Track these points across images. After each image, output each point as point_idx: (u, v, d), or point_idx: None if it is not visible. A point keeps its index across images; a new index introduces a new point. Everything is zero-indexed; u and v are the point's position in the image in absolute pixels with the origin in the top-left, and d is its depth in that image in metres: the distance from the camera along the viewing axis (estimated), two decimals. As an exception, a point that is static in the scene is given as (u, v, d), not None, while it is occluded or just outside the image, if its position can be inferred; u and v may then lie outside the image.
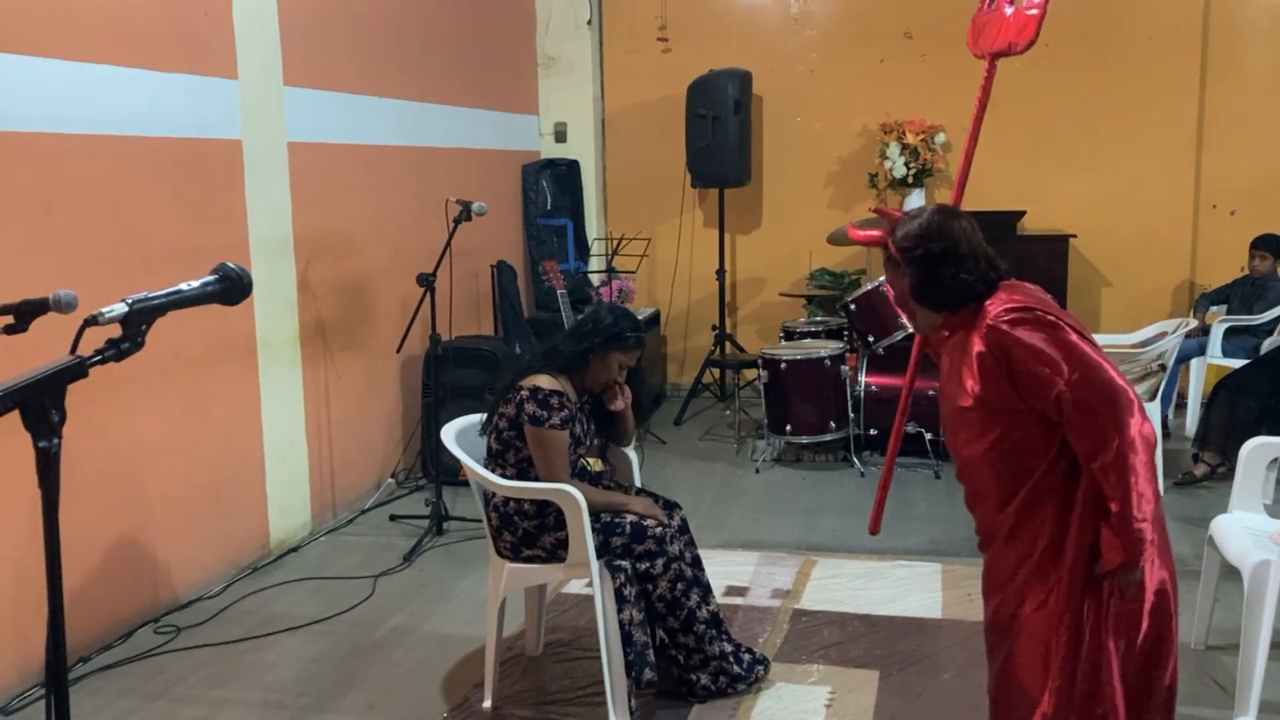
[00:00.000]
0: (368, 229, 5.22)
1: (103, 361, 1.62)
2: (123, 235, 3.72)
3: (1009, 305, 2.18)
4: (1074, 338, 2.13)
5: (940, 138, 6.85)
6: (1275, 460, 4.12)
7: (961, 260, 2.26)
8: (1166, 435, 5.57)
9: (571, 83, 7.33)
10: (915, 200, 6.93)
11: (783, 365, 5.57)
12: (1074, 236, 6.55)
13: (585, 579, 3.07)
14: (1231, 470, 3.54)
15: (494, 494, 3.14)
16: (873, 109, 7.04)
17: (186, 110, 3.99)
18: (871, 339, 5.61)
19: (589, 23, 7.29)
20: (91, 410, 3.49)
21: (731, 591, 4.03)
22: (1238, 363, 5.64)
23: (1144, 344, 5.36)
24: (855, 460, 5.62)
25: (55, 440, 1.53)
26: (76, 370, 1.56)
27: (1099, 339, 6.21)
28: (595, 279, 6.89)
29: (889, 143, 6.87)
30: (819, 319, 6.40)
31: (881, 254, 2.41)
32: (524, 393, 3.08)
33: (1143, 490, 2.09)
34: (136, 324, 1.66)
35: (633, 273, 6.63)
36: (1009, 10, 3.40)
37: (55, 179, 3.45)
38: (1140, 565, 2.13)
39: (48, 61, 3.39)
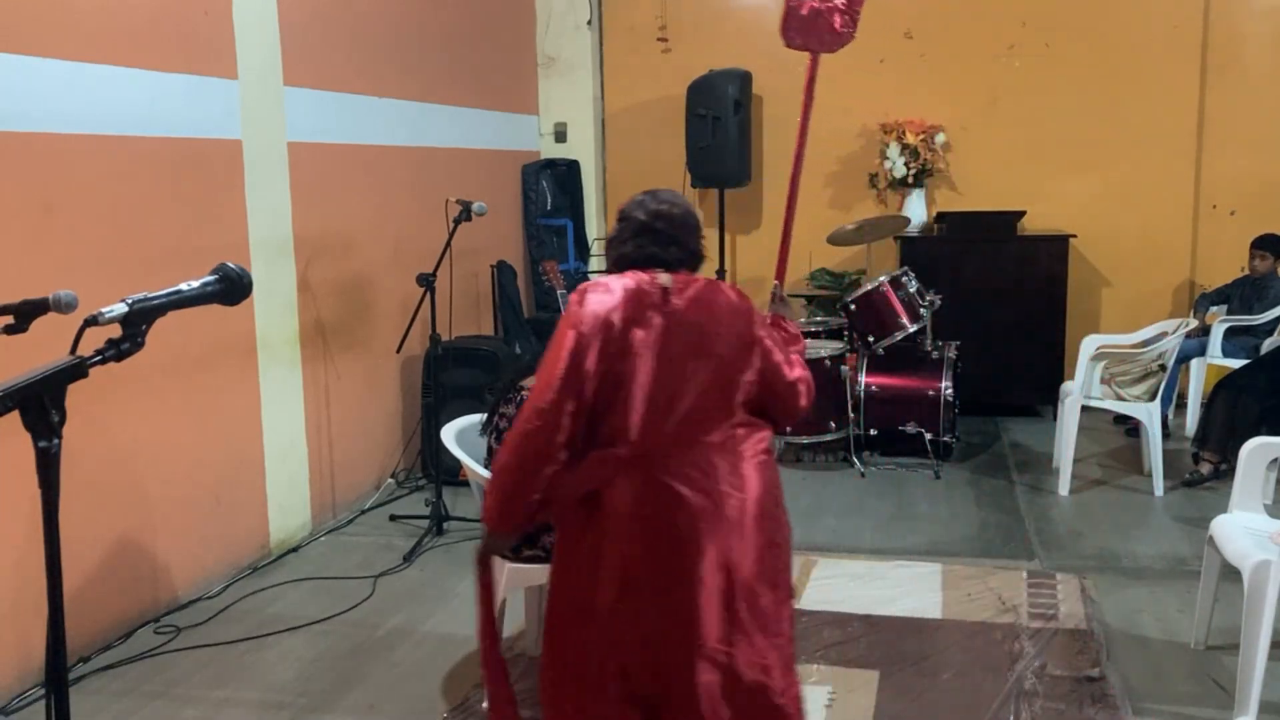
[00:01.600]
0: (368, 229, 5.22)
1: (103, 361, 1.62)
2: (123, 235, 3.72)
3: (585, 284, 2.37)
4: (563, 343, 2.23)
5: (940, 138, 6.84)
6: (1275, 460, 4.12)
7: (630, 231, 2.47)
8: (1167, 435, 5.57)
9: (571, 83, 7.33)
10: (916, 200, 6.93)
11: (783, 365, 5.56)
12: (1074, 236, 6.55)
13: (585, 579, 3.06)
14: (1231, 470, 3.54)
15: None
16: (873, 109, 7.04)
17: (186, 110, 3.99)
18: (871, 339, 5.61)
19: (589, 23, 7.29)
20: (91, 410, 3.49)
21: (731, 591, 4.02)
22: (1238, 363, 5.64)
23: (1144, 344, 5.36)
24: (855, 460, 5.62)
25: (55, 440, 1.54)
26: (76, 370, 1.57)
27: (1098, 339, 6.18)
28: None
29: (889, 143, 6.87)
30: (819, 319, 6.39)
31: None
32: (525, 393, 3.08)
33: (493, 488, 2.29)
34: (136, 324, 1.66)
35: (633, 273, 6.62)
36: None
37: (55, 179, 3.45)
38: (488, 536, 2.37)
39: (48, 61, 3.39)
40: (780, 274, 3.00)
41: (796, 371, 2.42)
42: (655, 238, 2.43)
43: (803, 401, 2.42)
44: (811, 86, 3.11)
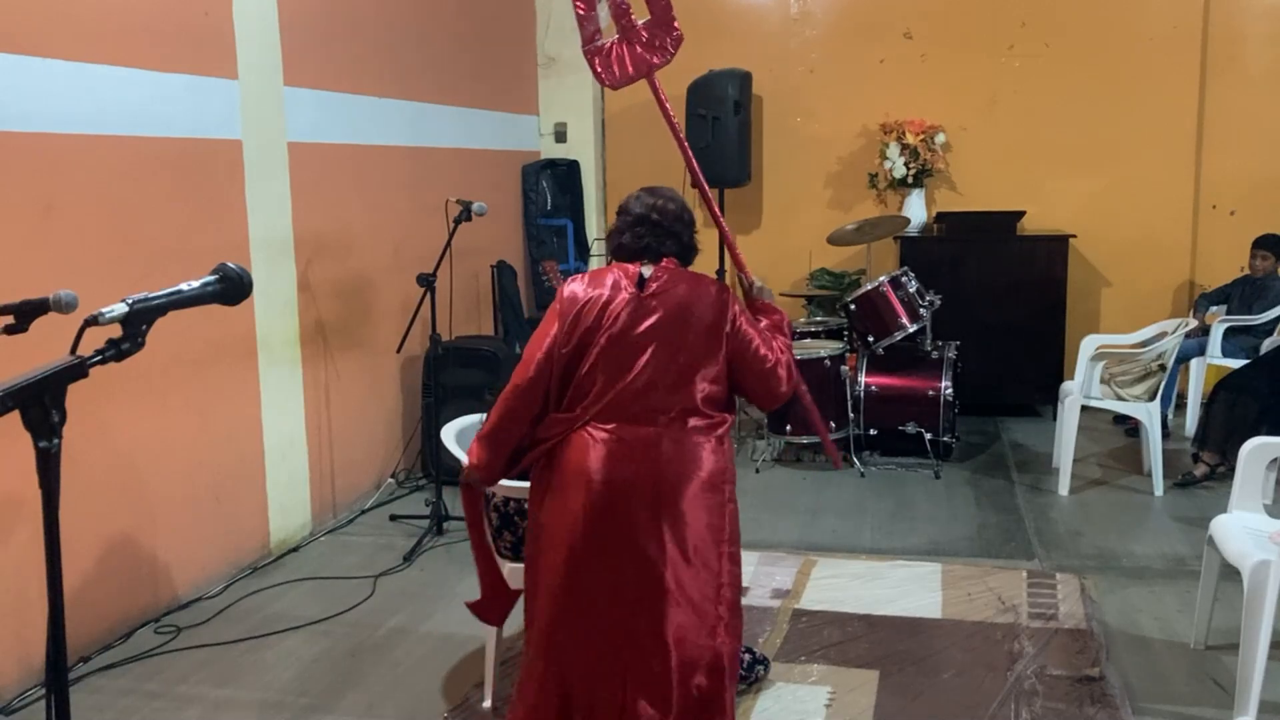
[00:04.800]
0: (368, 229, 5.22)
1: (103, 361, 1.62)
2: (123, 235, 3.72)
3: (574, 274, 2.70)
4: (548, 326, 2.62)
5: (940, 138, 6.84)
6: (1275, 460, 4.12)
7: (628, 224, 2.75)
8: (1166, 435, 5.57)
9: (571, 83, 7.32)
10: (916, 200, 6.93)
11: (783, 365, 5.56)
12: (1074, 236, 6.55)
13: (585, 579, 3.07)
14: (1231, 470, 3.54)
15: (494, 494, 3.14)
16: (873, 109, 7.03)
17: (186, 110, 3.99)
18: (871, 339, 5.61)
19: (589, 23, 7.28)
20: (92, 410, 3.49)
21: (731, 591, 4.02)
22: (1238, 363, 5.64)
23: (1144, 344, 5.36)
24: (855, 460, 5.62)
25: (55, 440, 1.54)
26: (76, 370, 1.57)
27: (1098, 339, 6.20)
28: (595, 279, 6.88)
29: (889, 143, 6.87)
30: (819, 319, 6.40)
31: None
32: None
33: (484, 444, 2.70)
34: (137, 324, 1.66)
35: (633, 273, 6.62)
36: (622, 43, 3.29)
37: (55, 179, 3.45)
38: (474, 477, 2.77)
39: (48, 61, 3.39)
40: (741, 267, 3.16)
41: (777, 356, 2.65)
42: (652, 229, 2.69)
43: (783, 387, 2.65)
44: (664, 103, 3.24)
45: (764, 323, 2.79)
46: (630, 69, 3.23)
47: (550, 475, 2.60)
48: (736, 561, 2.62)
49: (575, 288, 2.63)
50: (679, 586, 2.50)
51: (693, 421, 2.56)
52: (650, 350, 2.54)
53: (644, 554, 2.50)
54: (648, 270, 2.62)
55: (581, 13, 3.26)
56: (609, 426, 2.53)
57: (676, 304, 2.58)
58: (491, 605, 3.05)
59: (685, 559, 2.51)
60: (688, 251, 2.76)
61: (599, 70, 3.26)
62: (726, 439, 2.64)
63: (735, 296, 2.69)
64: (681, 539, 2.51)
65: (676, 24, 3.22)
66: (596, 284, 2.62)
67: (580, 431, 2.55)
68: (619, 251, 2.73)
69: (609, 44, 3.23)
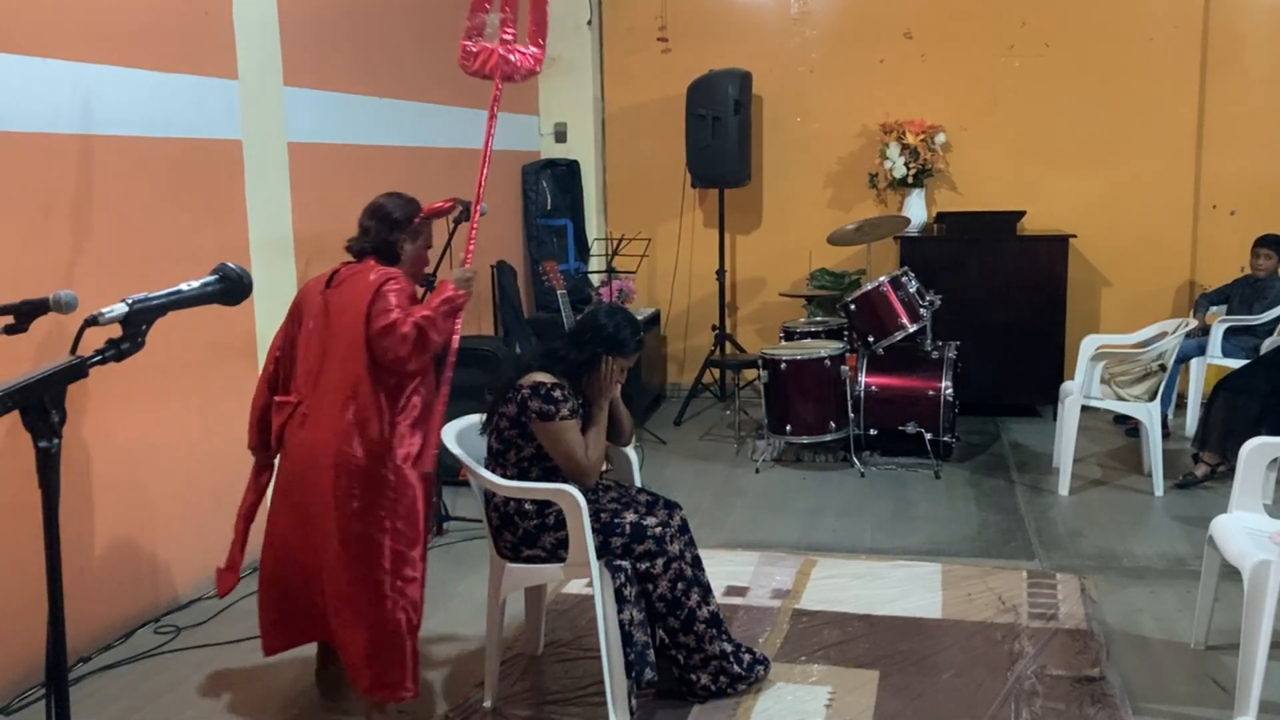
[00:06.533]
0: (368, 229, 5.21)
1: (103, 362, 1.62)
2: (123, 235, 3.72)
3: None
4: (286, 322, 3.20)
5: (940, 138, 6.84)
6: (1275, 460, 4.12)
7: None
8: (1167, 435, 5.57)
9: (571, 83, 7.33)
10: (916, 200, 6.93)
11: (783, 365, 5.57)
12: (1074, 236, 6.55)
13: (585, 579, 3.07)
14: (1231, 470, 3.54)
15: (494, 494, 3.14)
16: (873, 109, 7.04)
17: (186, 110, 3.99)
18: (871, 339, 5.61)
19: (589, 23, 7.29)
20: (92, 410, 3.49)
21: (731, 591, 4.03)
22: (1238, 363, 5.64)
23: (1144, 344, 5.36)
24: (855, 460, 5.62)
25: (55, 440, 1.54)
26: (76, 370, 1.57)
27: (1098, 339, 6.20)
28: (595, 279, 6.89)
29: (889, 143, 6.87)
30: (819, 319, 6.40)
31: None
32: (525, 391, 3.08)
33: None
34: (137, 324, 1.66)
35: (633, 273, 6.63)
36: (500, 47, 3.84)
37: (55, 179, 3.45)
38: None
39: (48, 61, 3.39)
40: (467, 253, 3.73)
41: (399, 319, 2.95)
42: (359, 232, 3.24)
43: (402, 349, 2.95)
44: (494, 106, 3.78)
45: (436, 300, 3.11)
46: (487, 71, 3.84)
47: (281, 448, 3.15)
48: (397, 536, 3.03)
49: (304, 286, 3.19)
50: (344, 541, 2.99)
51: (361, 400, 2.96)
52: (331, 338, 3.02)
53: (327, 515, 2.99)
54: (339, 267, 3.10)
55: (480, 9, 3.81)
56: (306, 409, 3.04)
57: (350, 295, 3.03)
58: (224, 575, 3.36)
59: (351, 522, 2.98)
60: (380, 247, 3.17)
61: (464, 57, 3.85)
62: (403, 414, 3.03)
63: (397, 283, 3.04)
64: (349, 503, 2.98)
65: (542, 45, 3.91)
66: (315, 281, 3.17)
67: (296, 411, 3.07)
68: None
69: (486, 47, 3.81)
